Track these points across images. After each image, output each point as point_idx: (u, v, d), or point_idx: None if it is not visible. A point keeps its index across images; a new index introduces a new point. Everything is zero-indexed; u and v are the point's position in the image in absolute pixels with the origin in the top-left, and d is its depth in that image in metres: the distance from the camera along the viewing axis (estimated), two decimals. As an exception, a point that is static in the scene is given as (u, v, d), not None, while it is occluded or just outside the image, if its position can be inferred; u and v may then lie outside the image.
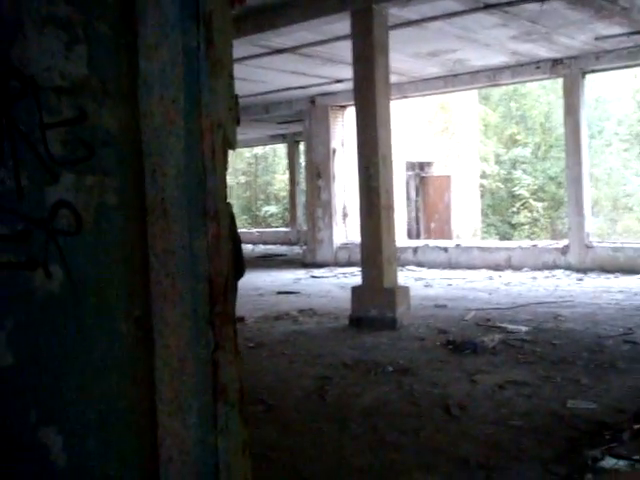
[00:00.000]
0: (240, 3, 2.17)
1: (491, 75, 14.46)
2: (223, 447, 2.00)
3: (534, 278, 13.11)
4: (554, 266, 13.90)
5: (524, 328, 8.14)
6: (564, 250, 13.95)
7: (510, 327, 8.22)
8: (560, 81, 14.33)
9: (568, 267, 13.67)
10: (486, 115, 23.67)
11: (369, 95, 8.82)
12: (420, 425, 4.81)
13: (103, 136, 1.91)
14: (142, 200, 1.98)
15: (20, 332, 1.73)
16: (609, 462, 3.93)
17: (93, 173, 1.89)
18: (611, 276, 12.70)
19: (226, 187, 2.01)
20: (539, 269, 13.97)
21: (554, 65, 13.73)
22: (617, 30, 11.45)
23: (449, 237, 19.35)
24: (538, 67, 13.94)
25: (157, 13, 1.94)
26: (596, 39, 12.01)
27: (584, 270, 13.33)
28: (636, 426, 4.42)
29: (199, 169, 1.95)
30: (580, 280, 12.49)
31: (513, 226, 23.43)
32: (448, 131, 21.23)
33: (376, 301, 8.79)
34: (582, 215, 13.66)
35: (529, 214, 23.28)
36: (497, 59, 13.42)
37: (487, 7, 9.63)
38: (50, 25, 1.81)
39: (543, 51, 12.95)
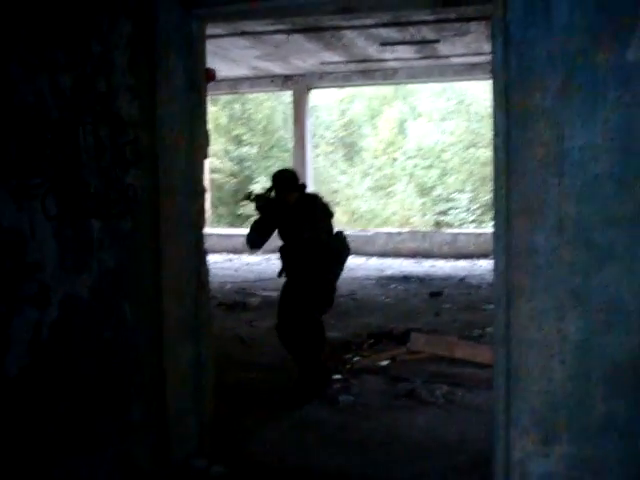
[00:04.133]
0: (212, 80, 3.87)
1: (232, 84, 16.58)
2: (200, 315, 3.76)
3: (268, 259, 15.52)
4: (284, 250, 16.41)
5: (275, 294, 10.34)
6: (292, 236, 16.55)
7: (264, 293, 10.39)
8: (288, 93, 17.01)
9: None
10: (217, 116, 25.85)
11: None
12: (229, 349, 6.71)
13: (144, 150, 3.57)
14: (157, 185, 3.66)
15: (116, 250, 3.35)
16: (356, 359, 6.24)
17: (140, 169, 3.54)
18: (330, 257, 15.53)
19: (203, 179, 3.77)
20: (273, 252, 16.39)
21: (285, 80, 16.28)
22: (337, 58, 14.23)
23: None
24: (272, 81, 16.39)
25: (168, 85, 3.64)
26: (321, 63, 14.73)
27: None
28: (369, 341, 6.81)
29: (192, 169, 3.69)
30: (306, 260, 15.13)
31: (239, 217, 25.94)
32: (183, 128, 22.97)
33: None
34: (306, 207, 16.34)
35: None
36: (240, 72, 15.56)
37: (243, 34, 11.70)
38: (126, 90, 3.43)
39: (278, 68, 15.38)
